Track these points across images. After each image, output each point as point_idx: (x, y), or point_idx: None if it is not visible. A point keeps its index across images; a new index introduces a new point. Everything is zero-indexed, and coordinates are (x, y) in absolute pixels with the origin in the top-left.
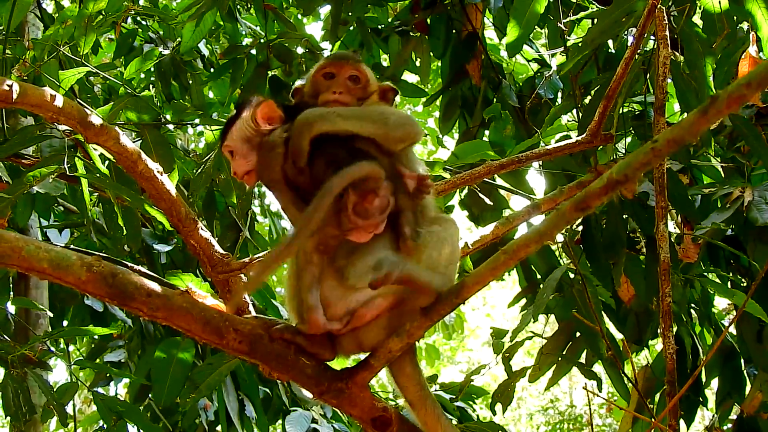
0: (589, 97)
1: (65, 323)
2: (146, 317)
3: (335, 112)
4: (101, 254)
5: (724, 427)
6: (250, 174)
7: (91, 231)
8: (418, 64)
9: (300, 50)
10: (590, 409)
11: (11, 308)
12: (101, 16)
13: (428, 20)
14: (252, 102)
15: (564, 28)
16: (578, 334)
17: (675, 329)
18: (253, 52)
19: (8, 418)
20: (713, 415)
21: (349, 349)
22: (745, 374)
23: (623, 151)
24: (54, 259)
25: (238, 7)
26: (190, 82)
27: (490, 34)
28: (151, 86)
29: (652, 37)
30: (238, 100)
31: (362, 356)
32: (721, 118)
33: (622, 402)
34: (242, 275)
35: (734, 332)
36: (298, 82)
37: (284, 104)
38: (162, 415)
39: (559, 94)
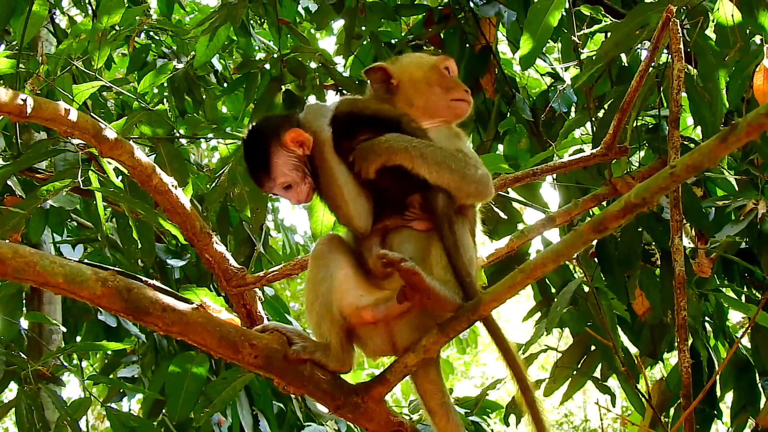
0: (602, 111)
1: (78, 339)
2: (161, 332)
3: (420, 152)
4: (116, 269)
5: None
6: (310, 191)
7: (104, 246)
8: None
9: (313, 65)
10: (602, 424)
11: (24, 324)
12: (114, 31)
13: (442, 34)
14: (278, 133)
15: (578, 41)
16: (593, 347)
17: (690, 343)
18: (267, 66)
19: None
20: (728, 429)
21: (380, 349)
22: (760, 387)
23: (637, 164)
24: (69, 274)
25: (252, 21)
26: (204, 96)
27: (503, 48)
28: (164, 101)
29: (666, 51)
30: (247, 137)
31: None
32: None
33: (636, 416)
34: (257, 289)
35: (749, 346)
36: (383, 63)
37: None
38: (176, 430)
39: (573, 108)
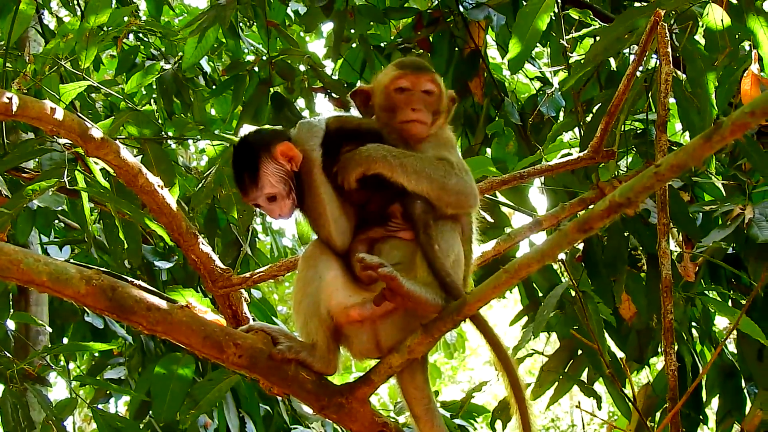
0: (591, 115)
1: (65, 340)
2: (146, 331)
3: (399, 161)
4: (101, 269)
5: None
6: (292, 207)
7: (91, 246)
8: None
9: (302, 67)
10: (584, 429)
11: (11, 324)
12: (102, 32)
13: (431, 38)
14: (269, 144)
15: (567, 45)
16: (579, 352)
17: (676, 347)
18: (256, 68)
19: None
20: None
21: (366, 348)
22: (746, 392)
23: (625, 168)
24: (53, 272)
25: (241, 23)
26: (192, 98)
27: (492, 52)
28: (152, 101)
29: (654, 55)
30: (237, 146)
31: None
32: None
33: (622, 420)
34: (243, 291)
35: (735, 351)
36: (363, 85)
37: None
38: None
39: (561, 112)
